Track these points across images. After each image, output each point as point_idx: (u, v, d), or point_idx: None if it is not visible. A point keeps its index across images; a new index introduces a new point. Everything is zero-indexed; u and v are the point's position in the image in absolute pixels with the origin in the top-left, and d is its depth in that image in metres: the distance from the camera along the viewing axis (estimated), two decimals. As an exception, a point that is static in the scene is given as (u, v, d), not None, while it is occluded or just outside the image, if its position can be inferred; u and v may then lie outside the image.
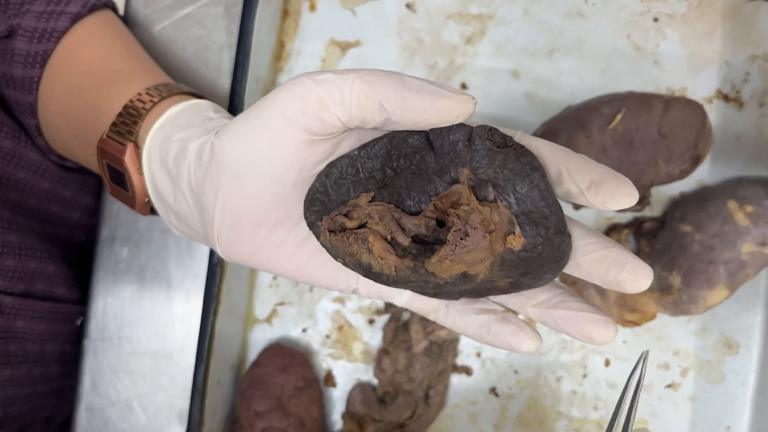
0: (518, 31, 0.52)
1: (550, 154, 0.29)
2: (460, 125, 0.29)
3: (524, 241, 0.28)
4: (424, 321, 0.50)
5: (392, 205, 0.30)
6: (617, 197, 0.27)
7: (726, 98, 0.50)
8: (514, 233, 0.28)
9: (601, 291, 0.49)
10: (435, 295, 0.32)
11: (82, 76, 0.44)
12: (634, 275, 0.28)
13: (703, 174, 0.50)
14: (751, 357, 0.49)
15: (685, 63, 0.50)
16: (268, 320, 0.54)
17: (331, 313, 0.54)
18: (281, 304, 0.54)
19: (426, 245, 0.30)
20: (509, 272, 0.30)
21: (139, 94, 0.41)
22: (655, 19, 0.51)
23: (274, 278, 0.54)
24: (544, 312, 0.31)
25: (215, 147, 0.33)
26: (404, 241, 0.29)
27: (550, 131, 0.46)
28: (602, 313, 0.30)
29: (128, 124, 0.39)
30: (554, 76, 0.51)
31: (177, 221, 0.39)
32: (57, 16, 0.46)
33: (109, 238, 0.55)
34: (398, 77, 0.28)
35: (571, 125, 0.45)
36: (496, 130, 0.28)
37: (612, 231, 0.50)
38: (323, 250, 0.34)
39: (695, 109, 0.45)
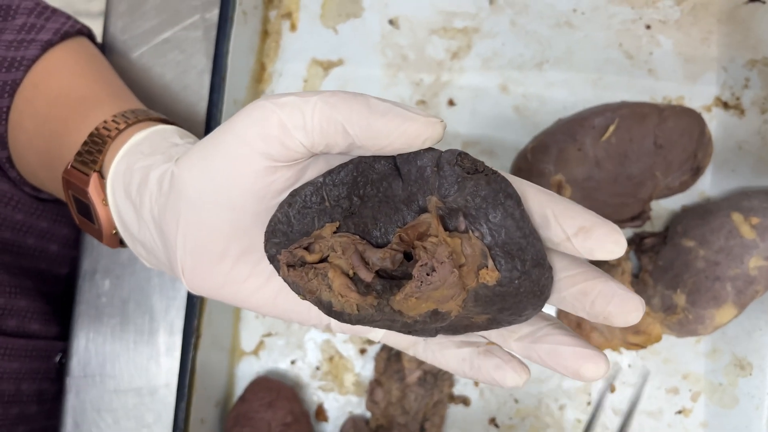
0: (505, 44, 0.50)
1: (535, 195, 0.26)
2: (429, 150, 0.27)
3: (498, 275, 0.26)
4: (417, 349, 0.48)
5: (357, 237, 0.28)
6: (607, 247, 0.25)
7: (726, 105, 0.48)
8: (487, 267, 0.26)
9: (602, 312, 0.47)
10: (409, 333, 0.30)
11: (49, 105, 0.43)
12: (622, 308, 0.26)
13: (705, 185, 0.48)
14: (765, 378, 0.46)
15: (680, 70, 0.48)
16: (255, 353, 0.51)
17: (320, 344, 0.51)
18: (268, 335, 0.52)
19: (392, 280, 0.28)
20: (485, 308, 0.27)
21: (105, 121, 0.39)
22: (648, 27, 0.49)
23: (261, 308, 0.52)
24: (527, 347, 0.29)
25: (174, 175, 0.31)
26: (367, 276, 0.27)
27: (540, 145, 0.44)
28: (592, 347, 0.27)
29: (93, 153, 0.38)
30: (544, 88, 0.49)
31: (144, 252, 0.37)
32: (27, 44, 0.45)
33: (90, 270, 0.53)
34: (363, 99, 0.27)
35: (561, 138, 0.43)
36: (466, 154, 0.26)
37: (611, 248, 0.47)
38: None
39: (692, 117, 0.43)
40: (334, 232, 0.28)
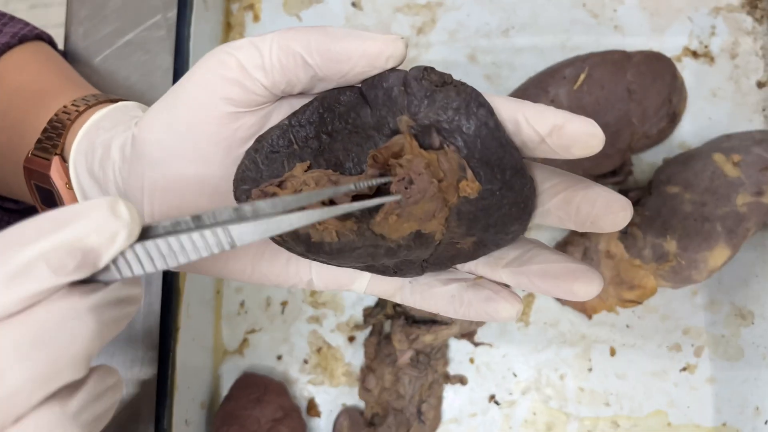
0: (470, 15, 0.50)
1: (504, 103, 0.25)
2: (394, 70, 0.26)
3: (479, 186, 0.25)
4: (407, 328, 0.46)
5: (330, 171, 0.27)
6: (582, 139, 0.24)
7: (695, 54, 0.47)
8: (466, 178, 0.25)
9: (593, 272, 0.45)
10: (395, 273, 0.29)
11: (8, 100, 0.42)
12: (609, 208, 0.24)
13: (685, 136, 0.47)
14: (769, 324, 0.45)
15: (646, 24, 0.48)
16: (240, 351, 0.49)
17: (307, 335, 0.49)
18: (252, 331, 0.50)
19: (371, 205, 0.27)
20: (470, 228, 0.26)
21: (65, 106, 0.38)
22: (609, -15, 0.49)
23: (242, 304, 0.50)
24: (517, 272, 0.27)
25: (135, 137, 0.30)
26: (344, 200, 0.26)
27: (512, 103, 0.43)
28: (583, 263, 0.26)
29: (53, 138, 0.36)
30: (513, 54, 0.49)
31: None
32: None
33: (62, 281, 0.51)
34: (320, 29, 0.26)
35: (534, 92, 0.43)
36: (433, 68, 0.25)
37: (596, 207, 0.46)
38: (268, 243, 0.30)
39: (662, 60, 0.43)
40: (305, 171, 0.27)
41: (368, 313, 0.49)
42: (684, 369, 0.45)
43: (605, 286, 0.45)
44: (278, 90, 0.27)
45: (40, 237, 0.20)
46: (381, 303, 0.48)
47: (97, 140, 0.34)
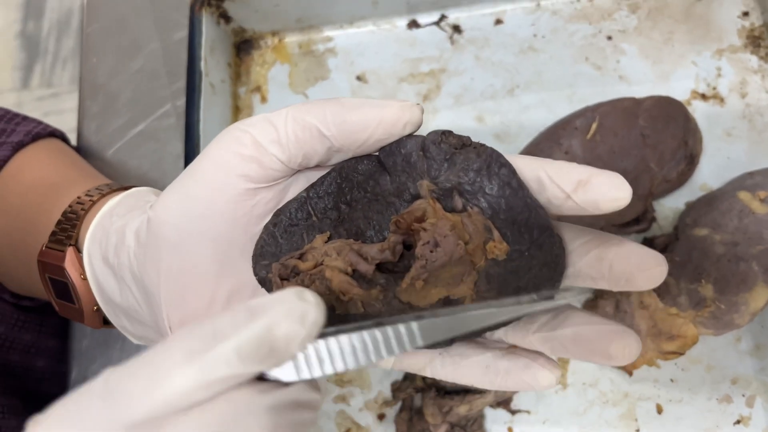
0: (474, 78, 0.50)
1: (526, 163, 0.25)
2: (411, 136, 0.26)
3: (507, 247, 0.24)
4: (439, 400, 0.44)
5: (351, 240, 0.26)
6: (610, 193, 0.23)
7: (704, 97, 0.47)
8: (493, 239, 0.24)
9: (629, 326, 0.43)
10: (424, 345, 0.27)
11: (21, 197, 0.42)
12: (643, 265, 0.23)
13: (705, 178, 0.46)
14: (822, 367, 0.42)
15: (650, 72, 0.48)
16: (266, 438, 0.47)
17: (334, 417, 0.47)
18: (277, 416, 0.47)
19: (396, 273, 0.26)
20: (500, 291, 0.25)
21: (78, 197, 0.37)
22: (609, 38, 0.49)
23: (266, 388, 0.48)
24: (548, 337, 0.26)
25: (151, 219, 0.29)
26: (368, 269, 0.25)
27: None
28: (617, 324, 0.24)
29: (67, 229, 0.36)
30: (520, 112, 0.49)
31: (129, 323, 0.34)
32: None
33: (79, 378, 0.50)
34: (335, 100, 0.26)
35: (547, 145, 0.42)
36: (451, 132, 0.25)
37: (623, 257, 0.44)
38: None
39: (672, 103, 0.42)
40: (326, 242, 0.27)
41: (397, 387, 0.46)
42: (738, 422, 0.42)
43: (642, 338, 0.43)
44: (295, 164, 0.27)
45: (235, 327, 0.20)
46: (410, 376, 0.46)
47: (111, 227, 0.34)
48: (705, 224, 0.42)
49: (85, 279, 0.35)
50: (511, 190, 0.24)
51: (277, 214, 0.27)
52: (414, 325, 0.21)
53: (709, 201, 0.43)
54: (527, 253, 0.25)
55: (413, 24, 0.51)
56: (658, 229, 0.46)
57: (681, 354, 0.42)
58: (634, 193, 0.42)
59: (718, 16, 0.48)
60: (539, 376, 0.26)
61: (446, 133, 0.25)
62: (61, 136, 0.49)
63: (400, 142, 0.26)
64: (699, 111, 0.47)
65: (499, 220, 0.25)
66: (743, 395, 0.43)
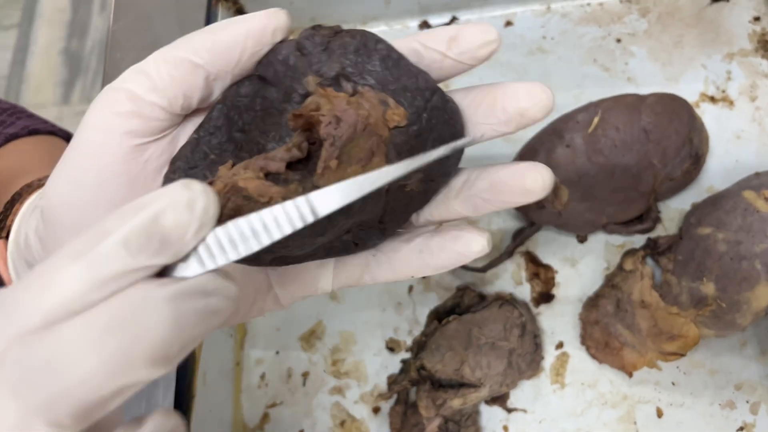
0: (482, 78, 0.50)
1: (400, 42, 0.26)
2: (284, 42, 0.25)
3: (404, 111, 0.24)
4: (433, 393, 0.43)
5: (256, 156, 0.26)
6: (480, 38, 0.24)
7: (713, 99, 0.47)
8: (391, 108, 0.24)
9: (629, 325, 0.42)
10: (356, 246, 0.27)
11: None
12: (532, 97, 0.25)
13: (713, 180, 0.45)
14: (831, 374, 0.41)
15: (660, 74, 0.48)
16: (260, 426, 0.47)
17: (329, 408, 0.47)
18: (273, 405, 0.47)
19: (309, 168, 0.25)
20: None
21: (26, 185, 0.36)
22: (618, 40, 0.49)
23: (262, 377, 0.48)
24: (468, 197, 0.27)
25: (44, 209, 0.27)
26: (278, 167, 0.24)
27: (529, 150, 0.43)
28: (524, 162, 0.26)
29: (3, 220, 0.35)
30: (527, 111, 0.49)
31: None
32: None
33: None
34: (201, 30, 0.25)
35: (548, 139, 0.42)
36: (320, 25, 0.26)
37: (626, 256, 0.44)
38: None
39: (677, 100, 0.42)
40: (230, 168, 0.25)
41: (392, 380, 0.46)
42: (741, 429, 0.41)
43: (643, 338, 0.42)
44: (177, 106, 0.26)
45: (120, 224, 0.19)
46: (405, 368, 0.46)
47: (23, 228, 0.32)
48: (709, 223, 0.41)
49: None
50: (392, 61, 0.25)
51: (173, 161, 0.26)
52: (309, 195, 0.21)
53: (714, 200, 0.42)
54: (425, 115, 0.25)
55: (424, 25, 0.52)
56: (663, 230, 0.45)
57: (682, 355, 0.41)
58: (636, 190, 0.42)
59: (728, 20, 0.48)
60: (471, 243, 0.27)
61: (316, 27, 0.25)
62: (64, 137, 0.49)
63: (274, 50, 0.25)
64: (708, 113, 0.46)
65: (390, 91, 0.25)
66: (747, 401, 0.41)
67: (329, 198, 0.21)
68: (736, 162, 0.45)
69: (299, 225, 0.21)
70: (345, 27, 0.50)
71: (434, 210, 0.28)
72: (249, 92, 0.26)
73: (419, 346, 0.45)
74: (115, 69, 0.57)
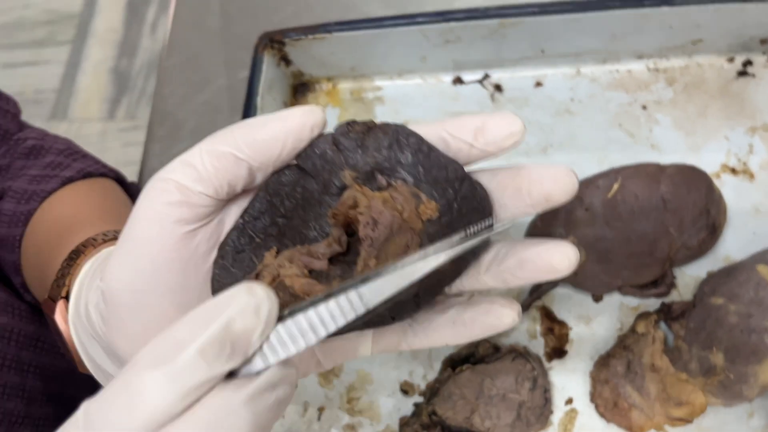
0: (510, 134, 0.53)
1: (428, 130, 0.28)
2: (321, 136, 0.28)
3: (436, 204, 0.26)
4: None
5: (299, 246, 0.28)
6: (505, 130, 0.26)
7: (734, 171, 0.48)
8: (423, 202, 0.26)
9: (639, 387, 0.43)
10: (393, 319, 0.29)
11: (46, 232, 0.44)
12: (557, 183, 0.26)
13: (729, 250, 0.46)
14: (838, 453, 0.41)
15: (683, 143, 0.49)
16: (274, 457, 0.49)
17: (342, 443, 0.48)
18: (288, 437, 0.49)
19: (349, 263, 0.28)
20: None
21: (82, 243, 0.38)
22: (644, 107, 0.51)
23: (280, 408, 0.50)
24: (498, 272, 0.28)
25: (104, 292, 0.29)
26: (321, 265, 0.27)
27: (549, 211, 0.45)
28: (552, 240, 0.27)
29: (65, 276, 0.36)
30: (551, 170, 0.51)
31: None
32: (49, 179, 0.47)
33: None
34: (241, 124, 0.27)
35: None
36: (355, 120, 0.28)
37: (640, 318, 0.45)
38: None
39: (696, 172, 0.44)
40: (276, 256, 0.28)
41: (404, 422, 0.48)
42: (745, 500, 0.41)
43: (651, 402, 0.43)
44: (222, 194, 0.27)
45: (193, 333, 0.21)
46: (417, 412, 0.47)
47: (83, 298, 0.33)
48: (722, 293, 0.42)
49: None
50: (423, 154, 0.26)
51: (222, 246, 0.28)
52: (361, 287, 0.23)
53: (729, 271, 0.43)
54: (456, 205, 0.26)
55: (458, 80, 0.55)
56: (678, 295, 0.46)
57: (689, 422, 0.42)
58: (652, 256, 0.43)
59: (754, 95, 0.49)
60: (502, 316, 0.28)
61: (351, 123, 0.27)
62: (115, 177, 0.51)
63: (312, 145, 0.27)
64: (728, 184, 0.48)
65: (422, 184, 0.26)
66: (752, 473, 0.42)
67: (378, 291, 0.23)
68: (753, 234, 0.46)
69: (351, 317, 0.23)
70: (381, 79, 0.53)
71: (466, 282, 0.30)
72: (290, 181, 0.28)
73: (432, 392, 0.47)
74: (163, 103, 0.61)
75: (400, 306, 0.29)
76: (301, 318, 0.22)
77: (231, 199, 0.29)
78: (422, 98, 0.55)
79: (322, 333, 0.23)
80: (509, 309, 0.28)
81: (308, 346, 0.23)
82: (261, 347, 0.22)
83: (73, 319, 0.34)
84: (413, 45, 0.52)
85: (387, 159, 0.26)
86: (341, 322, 0.23)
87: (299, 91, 0.57)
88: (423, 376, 0.49)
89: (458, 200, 0.26)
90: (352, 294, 0.23)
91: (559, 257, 0.27)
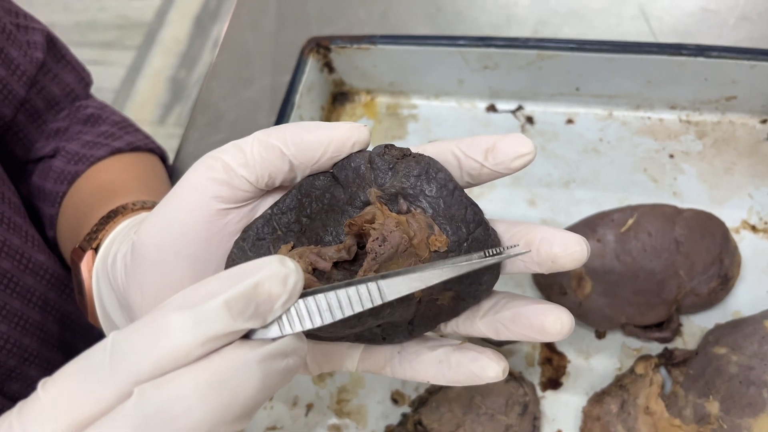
0: (535, 164, 0.53)
1: (442, 147, 0.29)
2: (360, 152, 0.29)
3: (447, 239, 0.27)
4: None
5: (312, 246, 0.30)
6: (515, 150, 0.26)
7: (754, 228, 0.48)
8: (435, 234, 0.27)
9: (630, 428, 0.43)
10: (383, 340, 0.30)
11: (88, 195, 0.47)
12: (566, 247, 0.26)
13: (740, 305, 0.46)
14: None
15: (706, 195, 0.49)
16: (256, 445, 0.49)
17: (325, 442, 0.48)
18: (273, 428, 0.49)
19: (352, 271, 0.29)
20: (446, 281, 0.28)
21: (122, 205, 0.40)
22: (671, 156, 0.51)
23: (270, 398, 0.50)
24: (492, 320, 0.29)
25: (135, 243, 0.31)
26: (326, 266, 0.28)
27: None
28: (550, 303, 0.27)
29: (98, 231, 0.39)
30: (571, 204, 0.51)
31: None
32: (100, 146, 0.50)
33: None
34: (295, 124, 0.29)
35: (582, 231, 0.44)
36: (393, 144, 0.29)
37: (640, 360, 0.44)
38: None
39: (713, 220, 0.43)
40: (290, 251, 0.30)
41: (390, 430, 0.47)
42: None
43: (640, 443, 0.42)
44: (262, 183, 0.29)
45: (223, 287, 0.22)
46: (403, 422, 0.47)
47: (113, 248, 0.36)
48: (725, 343, 0.41)
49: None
50: (447, 190, 0.27)
51: (246, 230, 0.30)
52: (381, 281, 0.24)
53: (736, 324, 0.42)
54: (466, 245, 0.27)
55: (491, 108, 0.56)
56: (683, 343, 0.46)
57: (676, 469, 0.41)
58: (659, 296, 0.43)
59: (783, 157, 0.49)
60: (486, 367, 0.28)
61: (389, 146, 0.29)
62: (160, 155, 0.55)
63: (350, 158, 0.29)
64: (746, 240, 0.47)
65: (439, 218, 0.27)
66: None
67: (396, 286, 0.24)
68: (766, 292, 0.46)
69: (368, 306, 0.24)
70: (418, 98, 0.55)
71: (461, 324, 0.31)
72: (322, 186, 0.30)
73: (421, 401, 0.46)
74: (208, 94, 0.63)
75: (393, 329, 0.30)
76: (322, 297, 0.24)
77: (268, 191, 0.31)
78: (455, 120, 0.56)
79: (339, 315, 0.24)
80: (496, 363, 0.28)
81: (321, 324, 0.24)
82: (280, 317, 0.23)
83: (97, 268, 0.36)
84: (453, 67, 0.54)
85: (413, 186, 0.28)
86: (357, 308, 0.24)
87: (338, 99, 0.59)
88: (415, 387, 0.49)
89: (469, 241, 0.27)
90: (372, 285, 0.24)
91: (552, 320, 0.27)
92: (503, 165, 0.27)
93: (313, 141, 0.28)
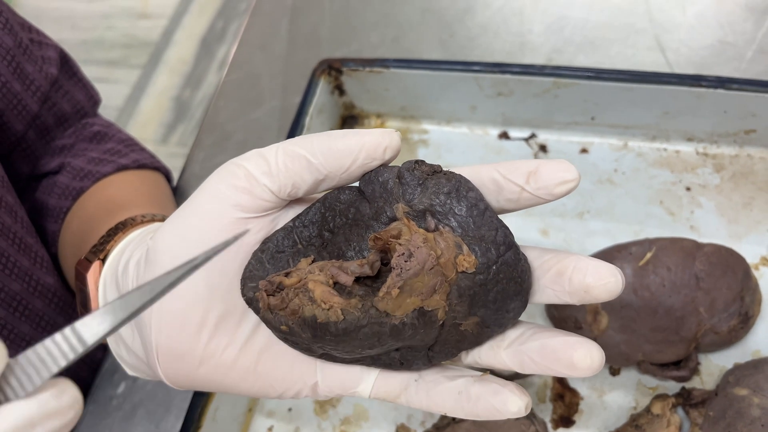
0: (548, 194, 0.52)
1: (479, 170, 0.28)
2: (389, 167, 0.28)
3: (475, 260, 0.26)
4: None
5: (333, 260, 0.28)
6: (558, 176, 0.25)
7: (774, 265, 0.46)
8: (463, 254, 0.26)
9: (646, 471, 0.41)
10: (401, 365, 0.28)
11: (94, 208, 0.46)
12: (599, 277, 0.25)
13: (761, 344, 0.44)
14: None
15: (724, 230, 0.48)
16: (254, 478, 0.47)
17: (326, 478, 0.46)
18: (272, 460, 0.47)
19: (374, 285, 0.28)
20: (471, 305, 0.27)
21: (131, 219, 0.39)
22: (688, 189, 0.50)
23: (270, 429, 0.48)
24: (518, 351, 0.27)
25: (149, 249, 0.30)
26: (347, 280, 0.27)
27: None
28: (582, 337, 0.26)
29: (105, 243, 0.38)
30: (585, 235, 0.50)
31: (125, 352, 0.35)
32: (106, 162, 0.50)
33: (110, 370, 0.52)
34: (322, 133, 0.28)
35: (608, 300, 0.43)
36: (423, 161, 0.28)
37: (657, 399, 0.43)
38: (272, 344, 0.30)
39: (735, 256, 0.42)
40: (310, 264, 0.28)
41: (394, 466, 0.45)
42: None
43: (657, 488, 0.40)
44: (284, 194, 0.28)
45: None
46: (409, 457, 0.45)
47: (123, 258, 0.35)
48: (747, 385, 0.40)
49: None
50: (478, 210, 0.26)
51: (265, 241, 0.29)
52: (78, 324, 0.21)
53: (756, 364, 0.41)
54: (494, 268, 0.26)
55: (504, 135, 0.55)
56: (701, 383, 0.44)
57: None
58: (677, 334, 0.41)
59: (803, 193, 0.48)
60: (508, 402, 0.27)
61: (419, 162, 0.28)
62: (164, 173, 0.54)
63: (378, 172, 0.28)
64: (765, 277, 0.46)
65: (468, 238, 0.26)
66: None
67: (96, 325, 0.21)
68: (787, 332, 0.44)
69: (72, 357, 0.21)
70: (429, 123, 0.54)
71: (483, 354, 0.29)
72: (347, 200, 0.29)
73: (428, 437, 0.45)
74: (215, 114, 0.63)
75: (412, 355, 0.28)
76: (32, 353, 0.21)
77: (290, 203, 0.29)
78: (466, 147, 0.55)
79: (44, 375, 0.21)
80: (518, 398, 0.27)
81: (38, 384, 0.20)
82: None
83: (105, 277, 0.35)
84: (466, 92, 0.53)
85: (442, 204, 0.26)
86: (62, 362, 0.20)
87: (347, 122, 0.59)
88: (421, 422, 0.47)
89: (498, 264, 0.26)
90: (68, 330, 0.20)
91: (582, 354, 0.25)
92: (545, 190, 0.26)
93: (343, 148, 0.27)
